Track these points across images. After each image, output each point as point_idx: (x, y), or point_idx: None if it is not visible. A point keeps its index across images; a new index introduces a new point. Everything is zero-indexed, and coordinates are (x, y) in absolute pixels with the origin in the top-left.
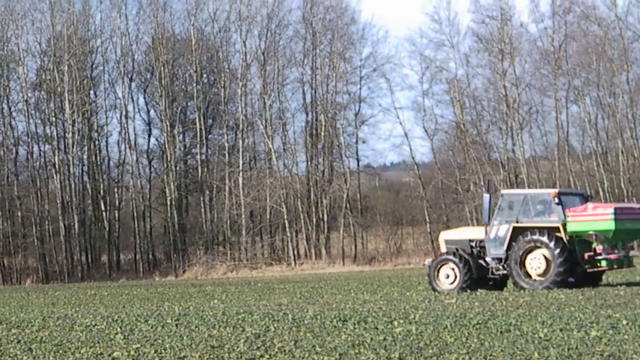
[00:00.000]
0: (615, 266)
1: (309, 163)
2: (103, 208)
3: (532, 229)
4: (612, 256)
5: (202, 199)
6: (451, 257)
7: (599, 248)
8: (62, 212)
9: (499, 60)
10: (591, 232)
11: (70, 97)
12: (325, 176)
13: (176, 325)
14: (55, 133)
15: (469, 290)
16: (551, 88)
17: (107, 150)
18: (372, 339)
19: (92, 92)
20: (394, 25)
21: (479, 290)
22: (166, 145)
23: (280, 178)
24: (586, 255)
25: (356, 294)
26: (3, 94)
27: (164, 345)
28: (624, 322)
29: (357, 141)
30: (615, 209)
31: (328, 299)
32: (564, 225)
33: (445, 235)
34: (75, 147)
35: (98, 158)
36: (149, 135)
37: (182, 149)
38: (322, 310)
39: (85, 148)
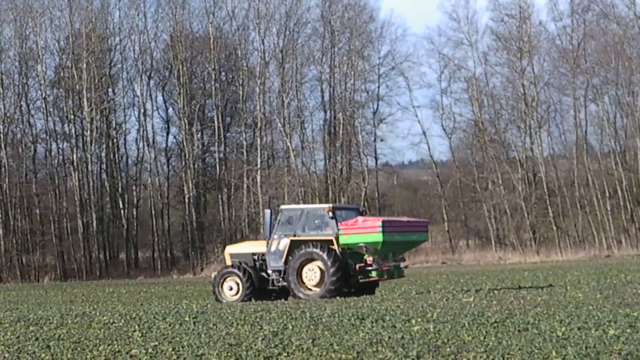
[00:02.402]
0: (385, 277)
1: (327, 161)
2: (121, 206)
3: (307, 242)
4: (383, 267)
5: (220, 196)
6: (234, 270)
7: (370, 259)
8: (80, 209)
9: (518, 59)
10: (361, 244)
11: (88, 94)
12: (343, 174)
13: (194, 323)
14: (73, 131)
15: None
16: (570, 87)
17: (125, 148)
18: (389, 337)
19: (110, 90)
20: (413, 24)
21: (264, 301)
22: (184, 143)
23: (298, 176)
24: (357, 266)
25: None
26: (22, 91)
27: (182, 343)
28: None
29: (375, 139)
30: (384, 221)
31: (346, 297)
32: (337, 238)
33: (229, 250)
34: (93, 144)
35: (116, 156)
36: (167, 133)
37: (200, 146)
38: (339, 309)
39: (104, 146)
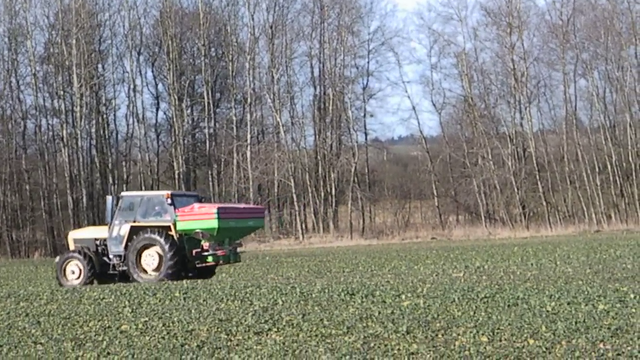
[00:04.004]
0: (221, 262)
1: (317, 137)
2: (111, 182)
3: (147, 228)
4: (219, 252)
5: (210, 172)
6: (76, 254)
7: (206, 245)
8: (70, 185)
9: (507, 34)
10: (198, 230)
11: (78, 70)
12: (333, 150)
13: (184, 298)
14: (63, 106)
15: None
16: (559, 62)
17: (115, 124)
18: (379, 313)
19: (100, 65)
20: None
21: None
22: (174, 119)
23: (288, 152)
24: (194, 251)
25: (364, 268)
26: (11, 67)
27: (172, 319)
28: (632, 295)
29: (365, 115)
30: (219, 208)
31: (336, 272)
32: (175, 225)
33: (73, 235)
34: (83, 120)
35: (106, 132)
36: (157, 109)
37: (190, 122)
38: (330, 284)
39: (93, 122)
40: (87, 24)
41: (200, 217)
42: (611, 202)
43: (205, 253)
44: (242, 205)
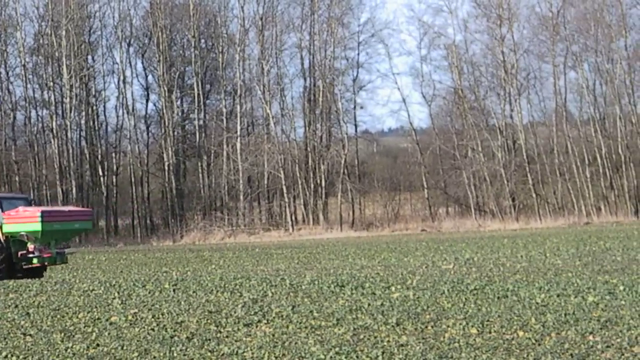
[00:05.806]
0: (47, 263)
1: (307, 129)
2: (101, 173)
3: None
4: (45, 254)
5: (199, 164)
6: None
7: (32, 247)
8: (59, 177)
9: (497, 26)
10: (23, 233)
11: (68, 62)
12: (323, 142)
13: (174, 290)
14: (53, 98)
15: None
16: (549, 54)
17: (104, 116)
18: (369, 304)
19: (89, 57)
20: None
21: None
22: (164, 111)
23: (278, 144)
24: (19, 253)
25: (354, 260)
26: (1, 58)
27: (162, 310)
28: (621, 287)
29: (355, 107)
30: (43, 212)
31: (325, 264)
32: (1, 227)
33: None
34: (73, 112)
35: (96, 123)
36: (147, 101)
37: (180, 114)
38: (319, 276)
39: (83, 113)
40: (76, 15)
41: (25, 220)
42: (601, 194)
43: (31, 255)
44: (68, 209)
